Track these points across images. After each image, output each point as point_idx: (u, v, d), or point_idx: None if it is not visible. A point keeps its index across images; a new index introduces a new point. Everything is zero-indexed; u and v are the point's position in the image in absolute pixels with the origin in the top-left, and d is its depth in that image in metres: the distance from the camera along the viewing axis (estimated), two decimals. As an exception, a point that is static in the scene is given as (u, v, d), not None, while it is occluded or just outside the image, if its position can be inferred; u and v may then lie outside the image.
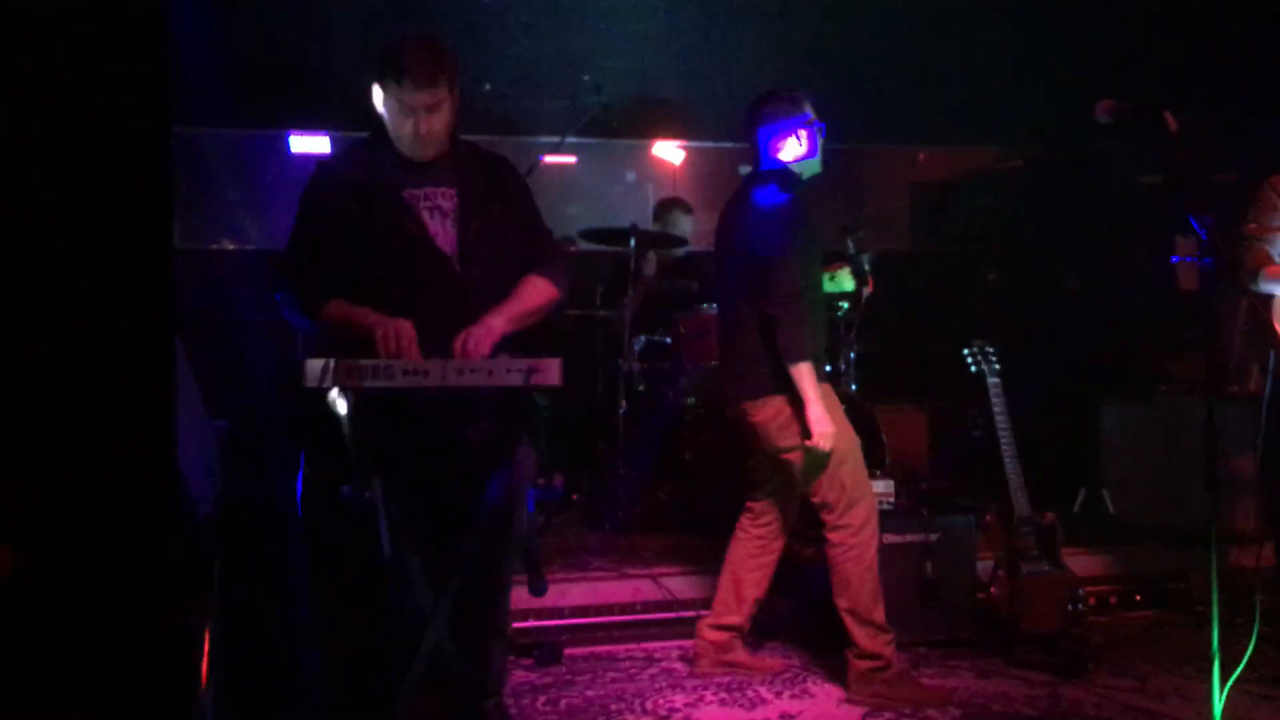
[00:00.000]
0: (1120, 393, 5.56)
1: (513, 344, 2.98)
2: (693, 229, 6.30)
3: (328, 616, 2.96)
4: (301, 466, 2.88)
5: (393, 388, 2.69)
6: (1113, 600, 4.79)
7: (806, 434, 3.64)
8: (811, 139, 3.85)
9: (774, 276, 3.64)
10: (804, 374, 3.61)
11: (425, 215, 3.00)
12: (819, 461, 3.69)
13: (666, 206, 6.42)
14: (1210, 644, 3.00)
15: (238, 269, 6.50)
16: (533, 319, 3.06)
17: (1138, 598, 4.82)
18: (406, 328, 2.81)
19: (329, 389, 2.64)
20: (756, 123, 3.86)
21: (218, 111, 6.48)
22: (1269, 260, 4.09)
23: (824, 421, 3.61)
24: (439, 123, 2.97)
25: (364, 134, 3.14)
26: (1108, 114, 3.24)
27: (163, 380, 1.84)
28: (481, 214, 3.05)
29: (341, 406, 2.63)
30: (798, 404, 3.66)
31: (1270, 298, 4.07)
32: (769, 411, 3.74)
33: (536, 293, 3.09)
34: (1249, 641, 3.15)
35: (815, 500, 3.79)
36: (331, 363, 2.65)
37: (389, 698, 2.83)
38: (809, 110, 3.85)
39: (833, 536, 3.75)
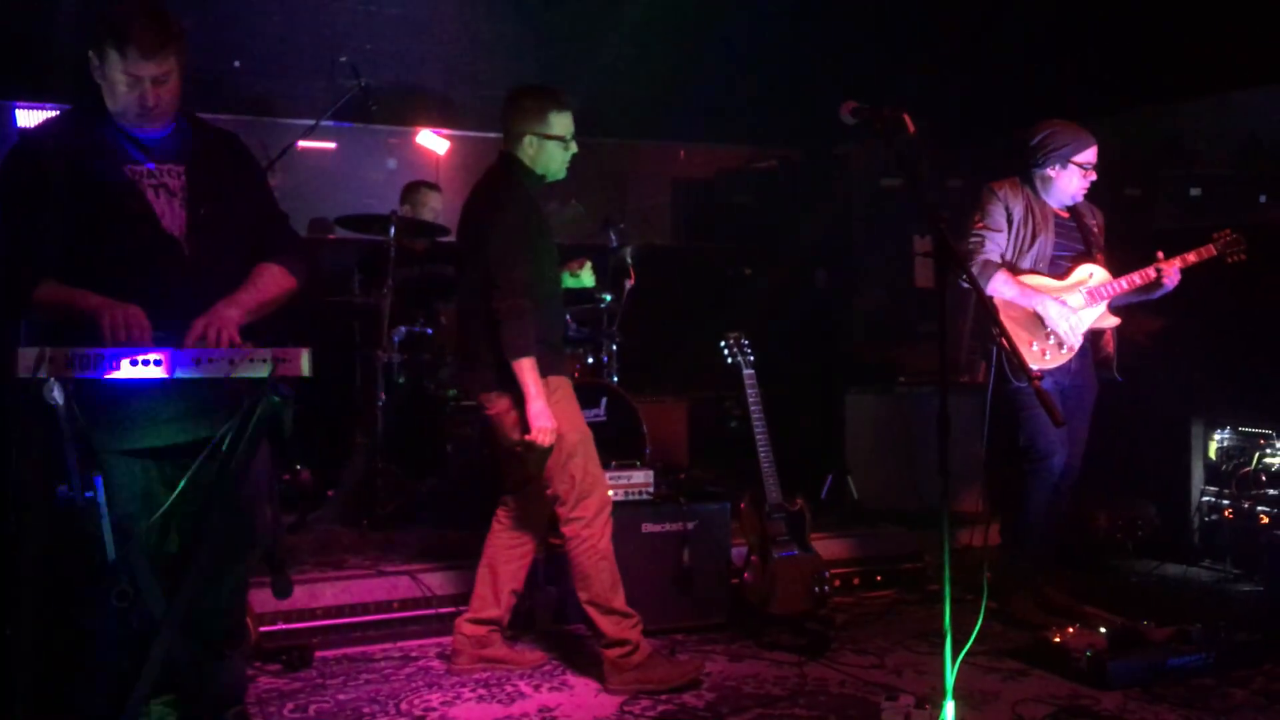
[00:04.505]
0: (863, 383, 5.86)
1: (256, 333, 2.83)
2: (440, 207, 6.22)
3: (44, 625, 2.72)
4: (11, 464, 2.64)
5: (119, 379, 2.50)
6: (856, 581, 5.03)
7: (526, 429, 3.64)
8: (560, 157, 3.83)
9: (497, 272, 3.62)
10: (525, 369, 3.60)
11: (150, 193, 2.80)
12: (545, 456, 3.70)
13: (413, 188, 6.31)
14: (942, 620, 3.18)
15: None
16: (269, 310, 2.91)
17: (878, 578, 5.07)
18: (137, 314, 2.63)
19: (44, 379, 2.42)
20: (512, 114, 3.82)
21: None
22: (998, 262, 4.39)
23: (542, 417, 3.61)
24: (166, 95, 2.78)
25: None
26: (851, 114, 3.38)
27: None
28: (213, 195, 2.88)
29: (58, 398, 2.42)
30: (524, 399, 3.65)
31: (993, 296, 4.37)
32: (501, 405, 3.73)
33: (273, 282, 2.95)
34: (977, 617, 3.35)
35: (548, 493, 3.80)
36: (47, 351, 2.43)
37: (116, 710, 2.63)
38: (564, 125, 3.81)
39: (566, 530, 3.76)
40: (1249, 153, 6.02)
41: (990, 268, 4.36)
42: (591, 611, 3.75)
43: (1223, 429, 5.43)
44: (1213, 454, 5.45)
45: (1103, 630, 3.97)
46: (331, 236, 6.47)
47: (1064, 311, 4.34)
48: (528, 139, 3.79)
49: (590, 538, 3.73)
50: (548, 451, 3.68)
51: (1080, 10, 6.15)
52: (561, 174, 3.90)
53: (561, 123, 3.81)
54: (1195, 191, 6.20)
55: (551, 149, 3.81)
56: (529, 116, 3.79)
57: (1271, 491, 5.12)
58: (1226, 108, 6.10)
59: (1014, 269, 4.40)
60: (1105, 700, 3.63)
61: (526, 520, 3.99)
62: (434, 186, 6.33)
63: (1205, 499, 5.42)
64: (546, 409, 3.62)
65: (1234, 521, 5.23)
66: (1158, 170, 6.36)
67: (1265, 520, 5.06)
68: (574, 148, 3.86)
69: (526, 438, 3.64)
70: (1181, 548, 5.43)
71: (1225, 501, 5.30)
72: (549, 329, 3.78)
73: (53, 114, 3.00)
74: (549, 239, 3.85)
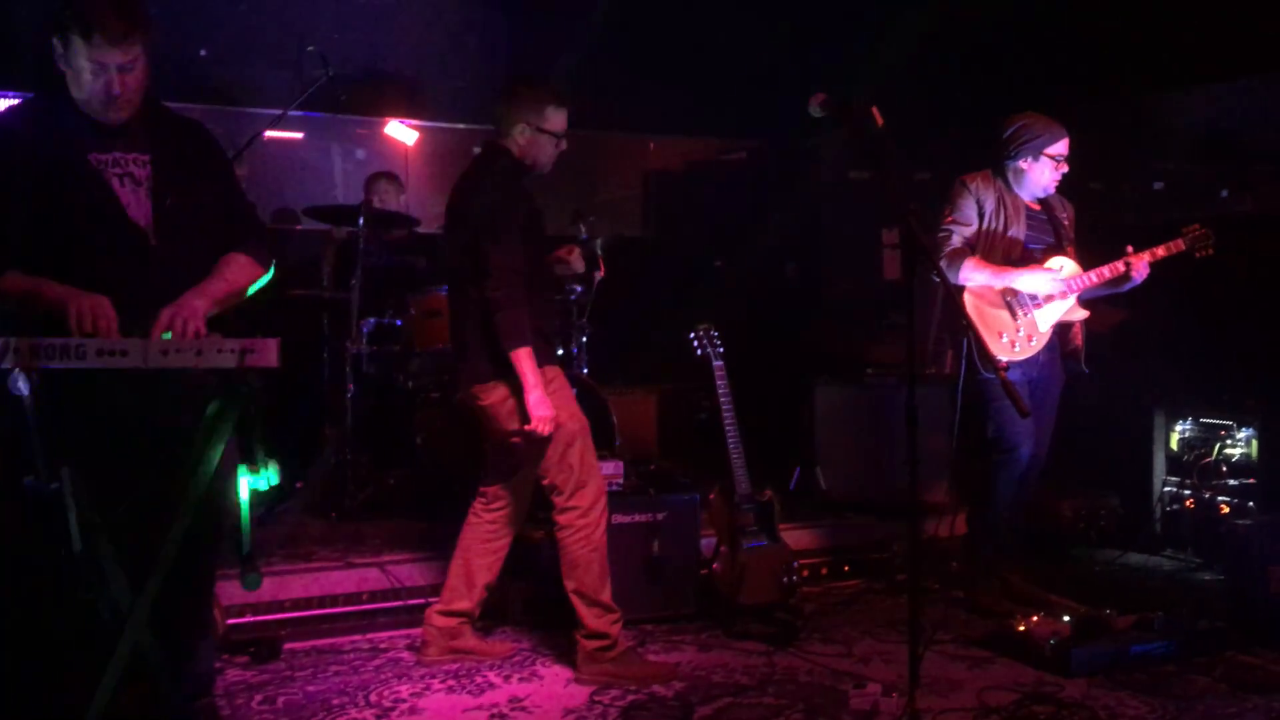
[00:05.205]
0: (832, 375, 5.89)
1: (224, 324, 2.81)
2: (401, 201, 6.18)
3: (10, 617, 2.70)
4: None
5: (85, 368, 2.48)
6: (824, 571, 5.07)
7: (526, 419, 3.64)
8: (550, 151, 3.85)
9: (493, 260, 3.61)
10: (523, 359, 3.59)
11: (115, 183, 2.77)
12: (543, 445, 3.70)
13: (371, 178, 6.27)
14: (909, 609, 3.21)
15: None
16: (237, 299, 2.89)
17: (846, 568, 5.11)
18: (104, 304, 2.60)
19: (9, 369, 2.40)
20: (509, 102, 3.81)
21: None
22: (966, 251, 4.43)
23: (543, 406, 3.61)
24: (132, 83, 2.74)
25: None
26: (821, 106, 3.41)
27: None
28: (179, 183, 2.85)
29: (23, 388, 2.39)
30: (521, 388, 3.65)
31: (963, 286, 4.41)
32: (496, 396, 3.71)
33: (240, 271, 2.92)
34: (943, 606, 3.38)
35: (544, 483, 3.80)
36: (12, 341, 2.41)
37: (84, 702, 2.61)
38: (559, 121, 3.82)
39: (561, 519, 3.77)
40: (1211, 147, 6.10)
41: (959, 256, 4.39)
42: (576, 601, 3.75)
43: (1184, 420, 5.50)
44: (1174, 445, 5.53)
45: (1067, 619, 4.02)
46: (299, 227, 6.42)
47: (1043, 276, 4.38)
48: (520, 128, 3.78)
49: (586, 527, 3.73)
50: (546, 441, 3.68)
51: (1047, 6, 6.20)
52: (547, 169, 3.90)
53: (557, 118, 3.81)
54: (1158, 185, 6.28)
55: (543, 142, 3.81)
56: (525, 106, 3.78)
57: (1232, 482, 5.20)
58: (1189, 102, 6.18)
59: (984, 259, 4.44)
60: (1069, 687, 3.67)
61: (506, 512, 3.98)
62: (386, 176, 6.25)
63: (1167, 489, 5.50)
64: (545, 398, 3.61)
65: (1195, 511, 5.31)
66: (1121, 164, 6.43)
67: (1225, 510, 5.15)
68: (564, 145, 3.87)
69: (526, 428, 3.63)
70: (1144, 537, 5.51)
71: (1187, 492, 5.38)
72: (541, 319, 3.77)
73: (14, 102, 2.96)
74: (540, 229, 3.84)
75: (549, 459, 3.74)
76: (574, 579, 3.76)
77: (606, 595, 3.78)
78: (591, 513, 3.76)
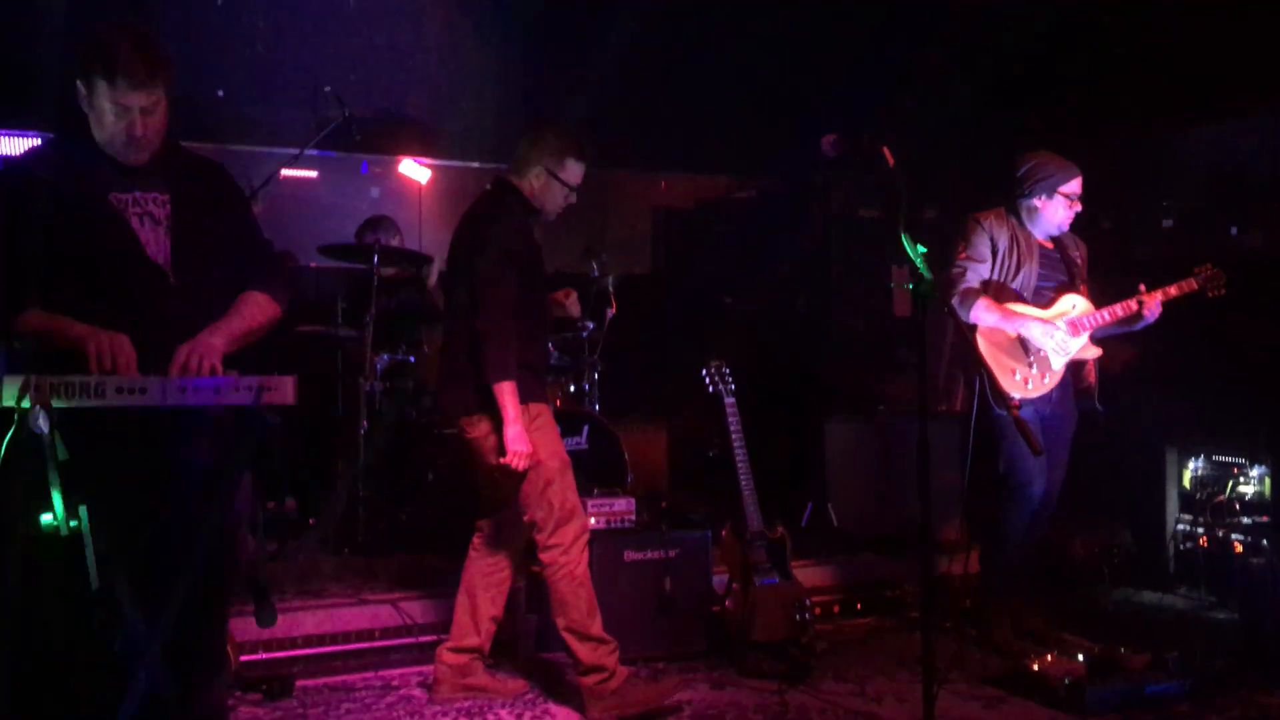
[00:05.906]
0: (843, 412, 5.89)
1: (240, 361, 2.84)
2: (396, 243, 6.20)
3: (28, 654, 2.71)
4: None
5: (104, 406, 2.50)
6: (836, 608, 5.05)
7: (503, 452, 3.66)
8: (559, 200, 3.89)
9: (484, 293, 3.65)
10: (505, 393, 3.62)
11: (135, 222, 2.81)
12: (520, 480, 3.72)
13: (363, 229, 6.27)
14: (922, 647, 3.19)
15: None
16: (254, 337, 2.91)
17: (858, 605, 5.10)
18: (123, 342, 2.63)
19: (29, 407, 2.42)
20: (532, 143, 3.86)
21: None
22: (979, 290, 4.45)
23: (519, 441, 3.63)
24: (154, 124, 2.79)
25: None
26: (832, 148, 3.44)
27: None
28: (197, 223, 2.88)
29: (43, 426, 2.42)
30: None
31: (975, 324, 4.42)
32: (481, 429, 3.74)
33: (258, 309, 2.95)
34: (957, 644, 3.36)
35: (525, 519, 3.81)
36: (33, 378, 2.43)
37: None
38: (576, 174, 3.87)
39: (544, 556, 3.77)
40: (1220, 184, 6.12)
41: (972, 295, 4.41)
42: (569, 638, 3.75)
43: (1196, 458, 5.49)
44: (1187, 482, 5.51)
45: (1081, 658, 4.00)
46: (314, 264, 6.46)
47: (1048, 329, 4.40)
48: (537, 170, 3.84)
49: (568, 564, 3.74)
50: (523, 476, 3.70)
51: (1054, 45, 6.26)
52: (551, 217, 3.95)
53: (575, 171, 3.87)
54: (1168, 222, 6.29)
55: (555, 189, 3.86)
56: (548, 151, 3.84)
57: (1245, 519, 5.18)
58: (1198, 138, 6.20)
59: (997, 297, 4.46)
60: (1083, 727, 3.66)
61: (502, 546, 4.00)
62: (370, 225, 6.23)
63: (1180, 527, 5.47)
64: (523, 434, 3.64)
65: (1208, 549, 5.28)
66: (1130, 200, 6.45)
67: (1239, 548, 5.12)
68: (573, 198, 3.92)
69: (501, 461, 3.65)
70: (1157, 575, 5.48)
71: (1200, 529, 5.35)
72: (533, 355, 3.81)
73: (36, 143, 3.00)
74: (539, 265, 3.88)
75: (528, 495, 3.75)
76: (564, 616, 3.76)
77: (597, 628, 3.77)
78: (573, 550, 3.76)
